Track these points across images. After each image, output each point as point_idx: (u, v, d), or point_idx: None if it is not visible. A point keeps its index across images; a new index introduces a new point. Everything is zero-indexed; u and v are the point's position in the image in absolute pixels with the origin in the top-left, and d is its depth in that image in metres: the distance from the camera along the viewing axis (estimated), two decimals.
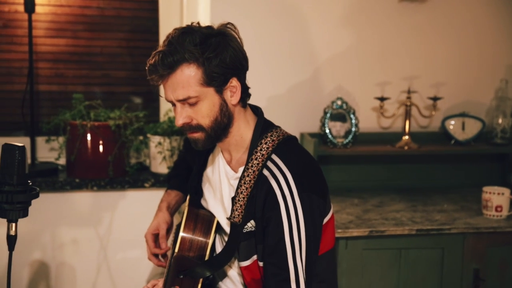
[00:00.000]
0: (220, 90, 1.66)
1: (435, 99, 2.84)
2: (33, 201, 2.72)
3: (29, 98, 2.72)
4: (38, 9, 2.81)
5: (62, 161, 2.80)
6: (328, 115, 2.78)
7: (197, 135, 1.70)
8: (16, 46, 2.88)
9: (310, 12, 2.84)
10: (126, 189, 2.76)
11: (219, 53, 1.62)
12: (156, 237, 2.01)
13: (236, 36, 1.70)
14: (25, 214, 1.45)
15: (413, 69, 2.96)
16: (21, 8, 2.70)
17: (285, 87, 2.86)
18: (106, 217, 2.79)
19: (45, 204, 2.71)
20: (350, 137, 2.78)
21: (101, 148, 2.66)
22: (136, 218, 2.78)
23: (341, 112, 2.80)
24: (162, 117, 2.93)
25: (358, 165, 2.91)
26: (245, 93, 1.73)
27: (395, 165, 2.95)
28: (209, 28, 1.68)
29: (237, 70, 1.67)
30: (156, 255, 2.01)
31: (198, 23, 1.70)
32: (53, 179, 2.66)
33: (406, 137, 2.83)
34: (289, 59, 2.85)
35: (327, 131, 2.77)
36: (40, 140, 2.84)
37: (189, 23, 1.69)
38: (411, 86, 2.92)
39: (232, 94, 1.69)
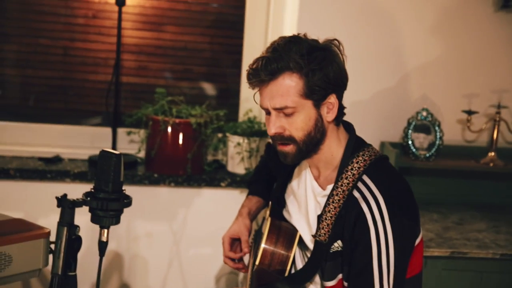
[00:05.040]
0: (318, 105, 1.62)
1: None
2: None
3: (114, 89, 2.75)
4: (127, 1, 2.83)
5: (141, 154, 2.82)
6: (412, 126, 2.69)
7: (288, 148, 1.66)
8: (104, 37, 2.91)
9: (401, 18, 2.75)
10: (203, 187, 2.76)
11: (323, 66, 1.59)
12: (232, 241, 2.00)
13: (340, 54, 1.66)
14: (117, 221, 1.46)
15: (504, 82, 2.84)
16: None
17: (368, 93, 2.79)
18: (181, 213, 2.81)
19: None
20: (433, 150, 2.69)
21: (181, 145, 2.67)
22: (210, 216, 2.79)
23: (425, 124, 2.71)
24: (242, 117, 2.91)
25: (439, 178, 2.81)
26: (341, 112, 1.69)
27: (477, 181, 2.83)
28: (315, 41, 1.65)
29: (338, 87, 1.64)
30: (231, 258, 2.00)
31: (305, 34, 1.66)
32: (132, 172, 2.69)
33: (492, 153, 2.72)
34: (375, 64, 2.78)
35: (410, 142, 2.69)
36: (121, 132, 2.86)
37: (295, 34, 1.67)
38: (501, 100, 2.79)
39: (329, 110, 1.65)
